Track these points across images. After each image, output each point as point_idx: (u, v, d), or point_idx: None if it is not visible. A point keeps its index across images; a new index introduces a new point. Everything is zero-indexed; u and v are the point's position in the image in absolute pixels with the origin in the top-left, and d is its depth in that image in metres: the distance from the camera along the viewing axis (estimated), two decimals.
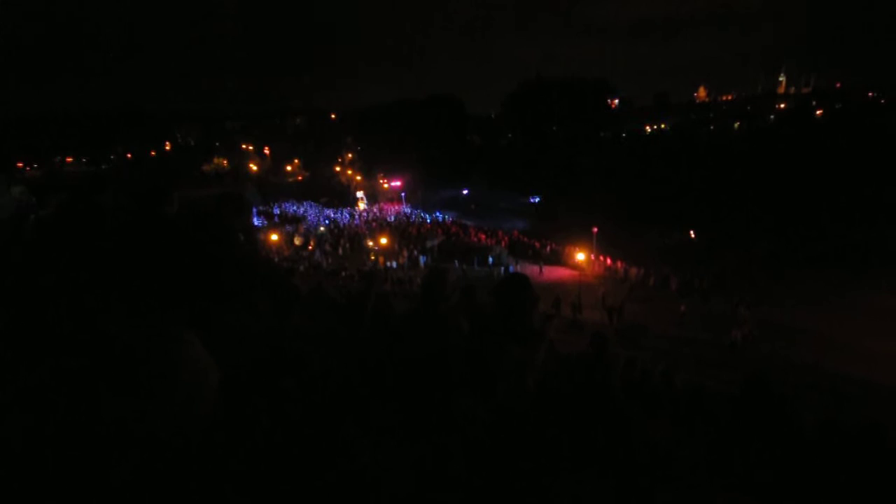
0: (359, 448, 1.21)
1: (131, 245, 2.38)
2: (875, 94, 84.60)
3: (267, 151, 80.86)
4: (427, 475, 1.20)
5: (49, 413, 0.92)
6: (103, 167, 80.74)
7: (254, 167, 76.13)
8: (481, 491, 1.24)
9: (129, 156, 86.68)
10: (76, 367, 1.04)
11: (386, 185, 59.81)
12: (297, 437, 1.18)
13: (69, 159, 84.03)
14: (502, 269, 27.70)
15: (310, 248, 33.77)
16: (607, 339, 4.52)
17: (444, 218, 45.43)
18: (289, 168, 77.38)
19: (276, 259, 25.59)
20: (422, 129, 66.77)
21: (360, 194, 55.56)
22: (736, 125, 73.93)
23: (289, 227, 39.20)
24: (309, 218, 45.73)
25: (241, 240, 2.89)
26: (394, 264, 29.72)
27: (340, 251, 33.72)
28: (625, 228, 33.20)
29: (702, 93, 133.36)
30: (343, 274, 27.21)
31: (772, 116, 78.58)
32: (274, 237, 31.70)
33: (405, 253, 31.31)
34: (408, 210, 50.06)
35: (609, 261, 27.94)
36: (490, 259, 29.92)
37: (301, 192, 59.61)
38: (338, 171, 70.24)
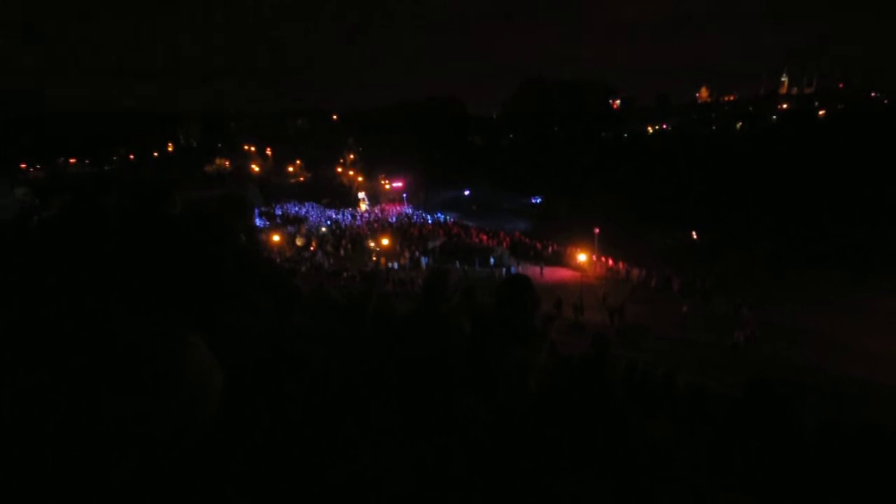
0: (360, 448, 1.21)
1: (134, 246, 2.39)
2: (877, 95, 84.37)
3: (269, 152, 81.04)
4: (427, 475, 1.20)
5: (49, 413, 0.92)
6: (106, 168, 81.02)
7: (256, 168, 76.31)
8: (481, 491, 1.24)
9: (131, 157, 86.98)
10: (78, 367, 1.04)
11: (387, 186, 59.88)
12: (298, 437, 1.18)
13: (72, 160, 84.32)
14: (504, 270, 27.68)
15: (311, 248, 33.79)
16: (609, 341, 4.51)
17: (445, 219, 45.45)
18: (291, 169, 77.55)
19: (278, 260, 25.61)
20: (423, 130, 66.91)
21: (361, 195, 55.64)
22: (738, 125, 73.85)
23: (290, 228, 39.25)
24: (311, 219, 45.79)
25: (243, 241, 2.89)
26: (395, 265, 29.73)
27: (342, 252, 33.74)
28: (626, 229, 33.18)
29: (704, 93, 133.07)
30: (345, 275, 27.22)
31: (774, 117, 78.41)
32: (276, 238, 31.75)
33: (407, 254, 31.31)
34: (409, 211, 50.10)
35: (611, 262, 27.91)
36: (491, 260, 29.91)
37: (303, 193, 59.69)
38: (339, 172, 70.36)
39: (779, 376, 11.65)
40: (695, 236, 36.20)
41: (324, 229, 39.76)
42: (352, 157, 73.15)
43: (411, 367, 1.96)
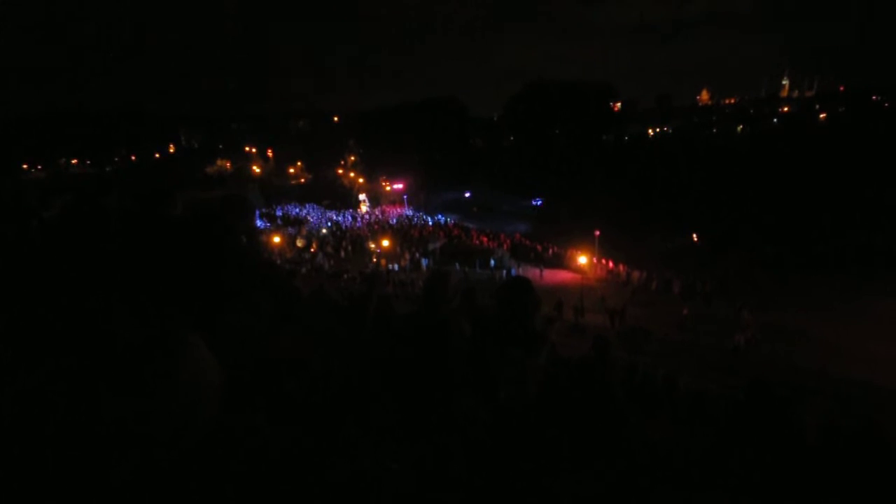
0: (360, 448, 1.21)
1: (135, 246, 2.39)
2: (879, 98, 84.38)
3: (270, 154, 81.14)
4: (427, 475, 1.20)
5: (49, 413, 0.92)
6: (108, 169, 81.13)
7: (257, 169, 76.40)
8: (481, 491, 1.24)
9: (133, 158, 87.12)
10: (78, 367, 1.04)
11: (388, 188, 59.92)
12: (298, 437, 1.18)
13: (74, 161, 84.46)
14: (504, 272, 27.66)
15: (312, 250, 33.81)
16: (609, 343, 4.51)
17: (446, 220, 45.46)
18: (291, 170, 77.62)
19: (279, 261, 25.62)
20: (424, 131, 66.86)
21: (362, 197, 55.67)
22: (739, 128, 73.88)
23: (291, 230, 39.27)
24: (311, 220, 45.82)
25: (244, 242, 2.89)
26: (396, 267, 29.72)
27: (342, 253, 33.75)
28: (627, 232, 33.15)
29: (705, 96, 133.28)
30: (345, 276, 27.23)
31: (775, 119, 78.44)
32: (276, 239, 31.76)
33: (407, 255, 31.31)
34: (410, 212, 50.11)
35: (611, 264, 27.89)
36: (492, 262, 29.91)
37: (304, 195, 59.74)
38: (340, 174, 70.40)
39: (779, 379, 11.63)
40: (695, 239, 36.17)
41: (324, 231, 39.77)
42: (352, 158, 73.18)
43: (411, 368, 1.96)
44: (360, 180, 64.10)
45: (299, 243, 34.64)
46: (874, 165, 38.57)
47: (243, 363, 1.44)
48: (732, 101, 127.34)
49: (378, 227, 40.91)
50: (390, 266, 29.76)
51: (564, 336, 15.73)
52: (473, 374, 1.92)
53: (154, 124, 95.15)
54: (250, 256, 2.88)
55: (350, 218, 46.91)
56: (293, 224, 43.01)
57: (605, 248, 28.38)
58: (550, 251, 32.21)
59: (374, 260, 31.46)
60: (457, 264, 28.38)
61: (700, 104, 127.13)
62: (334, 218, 46.75)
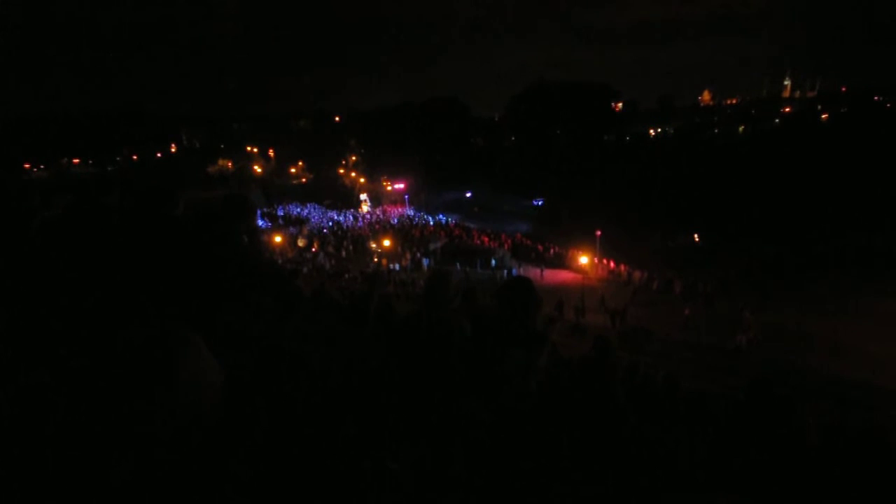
0: (360, 449, 1.21)
1: (136, 246, 2.39)
2: (881, 98, 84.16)
3: (271, 153, 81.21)
4: (427, 475, 1.20)
5: (49, 413, 0.92)
6: (109, 169, 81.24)
7: (258, 169, 76.48)
8: (481, 491, 1.24)
9: (134, 157, 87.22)
10: (78, 367, 1.04)
11: (389, 188, 59.97)
12: (298, 437, 1.18)
13: (75, 161, 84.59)
14: (505, 272, 27.67)
15: (313, 250, 33.83)
16: (610, 343, 4.50)
17: (447, 220, 45.49)
18: (293, 170, 77.69)
19: (280, 261, 25.64)
20: (425, 131, 66.91)
21: (363, 196, 55.73)
22: (741, 129, 73.75)
23: (293, 229, 39.30)
24: (313, 220, 45.86)
25: (245, 241, 2.90)
26: (397, 266, 29.74)
27: (344, 253, 33.77)
28: (628, 232, 33.13)
29: (706, 96, 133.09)
30: (346, 276, 27.24)
31: (777, 120, 78.30)
32: (278, 239, 31.78)
33: (408, 255, 31.32)
34: (411, 212, 50.13)
35: (612, 264, 27.88)
36: (493, 262, 29.91)
37: (305, 194, 59.78)
38: (342, 174, 70.44)
39: (781, 379, 11.60)
40: (697, 239, 36.15)
41: (325, 231, 39.82)
42: (354, 158, 73.24)
43: (412, 368, 1.96)
44: (362, 180, 64.15)
45: (300, 243, 34.66)
46: (875, 166, 38.47)
47: (243, 363, 1.44)
48: (734, 101, 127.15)
49: (379, 227, 40.93)
50: (391, 266, 29.78)
51: (565, 336, 15.72)
52: (474, 374, 1.91)
53: (155, 124, 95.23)
54: (252, 256, 2.88)
55: (351, 218, 46.94)
56: (294, 224, 43.06)
57: (606, 248, 28.37)
58: (551, 251, 32.22)
59: (376, 260, 31.47)
60: (458, 264, 28.37)
61: (702, 104, 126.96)
62: (335, 218, 46.78)
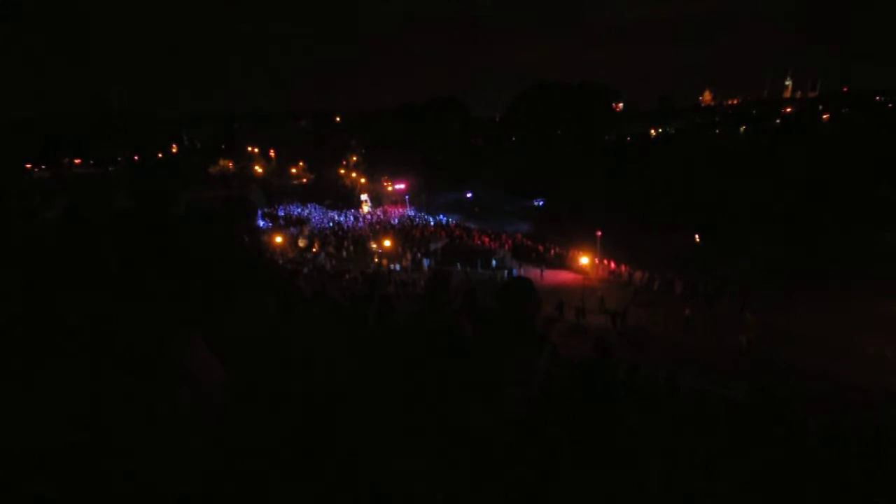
0: (360, 448, 1.21)
1: (138, 246, 2.40)
2: (882, 98, 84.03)
3: (272, 154, 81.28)
4: (429, 475, 1.20)
5: (51, 411, 0.93)
6: (111, 169, 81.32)
7: (259, 169, 76.55)
8: (482, 491, 1.24)
9: (136, 158, 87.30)
10: (81, 366, 1.05)
11: (390, 188, 59.97)
12: (298, 437, 1.18)
13: (77, 161, 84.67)
14: (505, 272, 27.65)
15: (314, 250, 33.83)
16: (611, 344, 4.51)
17: (447, 221, 45.47)
18: (294, 170, 77.74)
19: (281, 261, 25.64)
20: (426, 131, 66.94)
21: (364, 197, 55.71)
22: (741, 129, 73.65)
23: (293, 230, 39.28)
24: (313, 220, 45.85)
25: (246, 242, 2.90)
26: (397, 267, 29.73)
27: (344, 253, 33.75)
28: (629, 232, 33.10)
29: (707, 96, 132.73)
30: (347, 276, 27.23)
31: (778, 120, 78.18)
32: (278, 239, 31.78)
33: (409, 255, 31.30)
34: (411, 213, 50.11)
35: (613, 264, 27.85)
36: (493, 262, 29.89)
37: (306, 195, 59.77)
38: (342, 174, 70.48)
39: (781, 380, 11.60)
40: (698, 239, 36.11)
41: (326, 231, 39.84)
42: (354, 158, 73.27)
43: (413, 368, 1.96)
44: (362, 180, 64.18)
45: (301, 243, 34.66)
46: (876, 166, 38.43)
47: (245, 362, 1.44)
48: (735, 101, 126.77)
49: (380, 228, 40.91)
50: (392, 266, 29.77)
51: (566, 336, 15.71)
52: (474, 375, 1.92)
53: (156, 124, 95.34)
54: (252, 256, 2.88)
55: (352, 218, 46.93)
56: (295, 224, 43.03)
57: (606, 249, 28.34)
58: (552, 251, 32.18)
59: (376, 260, 31.46)
60: (458, 264, 28.36)
61: (702, 105, 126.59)
62: (336, 218, 46.76)
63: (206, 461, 0.97)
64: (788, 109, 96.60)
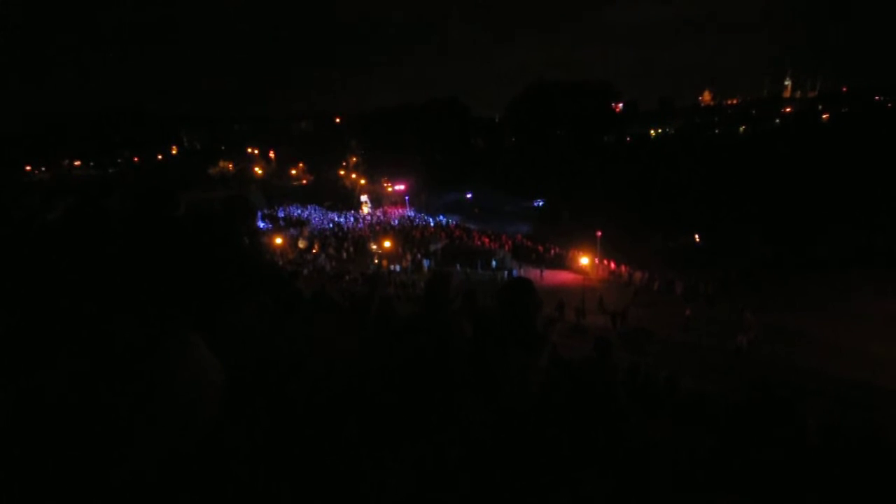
0: (360, 449, 1.21)
1: (137, 248, 2.40)
2: (882, 98, 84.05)
3: (272, 155, 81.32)
4: (427, 475, 1.20)
5: (49, 414, 0.93)
6: (110, 171, 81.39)
7: (259, 170, 76.60)
8: (481, 491, 1.24)
9: (135, 159, 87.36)
10: (79, 368, 1.04)
11: (390, 189, 60.03)
12: (298, 437, 1.18)
13: (77, 163, 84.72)
14: (505, 273, 27.67)
15: (314, 251, 33.85)
16: (611, 344, 4.51)
17: (447, 221, 45.50)
18: (293, 171, 77.77)
19: (281, 262, 25.66)
20: (426, 132, 66.96)
21: (364, 198, 55.79)
22: (741, 129, 73.68)
23: (293, 231, 39.33)
24: (313, 221, 45.88)
25: (246, 243, 2.90)
26: (397, 268, 29.76)
27: (344, 255, 33.78)
28: (629, 232, 33.12)
29: (707, 97, 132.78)
30: (347, 277, 27.26)
31: (777, 120, 78.22)
32: (278, 240, 31.82)
33: (409, 256, 31.33)
34: (411, 213, 50.16)
35: (613, 265, 27.86)
36: (493, 263, 29.92)
37: (306, 196, 59.82)
38: (342, 175, 70.51)
39: (781, 380, 11.61)
40: (698, 239, 36.12)
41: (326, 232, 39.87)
42: (354, 159, 73.31)
43: (412, 369, 1.96)
44: (362, 181, 64.22)
45: (301, 244, 34.69)
46: (876, 166, 38.43)
47: (244, 363, 1.44)
48: (735, 101, 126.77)
49: (380, 229, 40.95)
50: (392, 267, 29.80)
51: (566, 337, 15.72)
52: (474, 375, 1.92)
53: (155, 125, 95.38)
54: (252, 257, 2.88)
55: (352, 219, 46.97)
56: (295, 225, 43.10)
57: (606, 249, 28.36)
58: (552, 252, 32.21)
59: (376, 261, 31.49)
60: (458, 265, 28.38)
61: (702, 105, 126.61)
62: (336, 219, 46.80)
63: (205, 462, 0.97)
64: (788, 109, 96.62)
